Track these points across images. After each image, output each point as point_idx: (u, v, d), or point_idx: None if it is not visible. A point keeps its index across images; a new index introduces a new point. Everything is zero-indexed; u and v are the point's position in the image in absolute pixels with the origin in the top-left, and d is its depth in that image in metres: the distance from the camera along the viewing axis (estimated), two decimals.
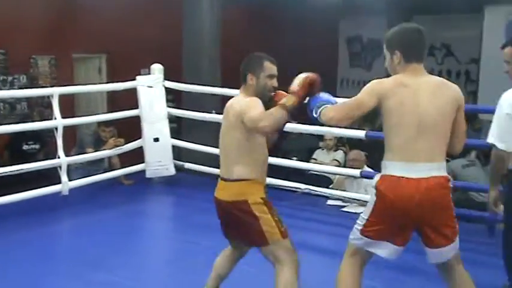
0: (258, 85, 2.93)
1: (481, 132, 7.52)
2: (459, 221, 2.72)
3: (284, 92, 2.96)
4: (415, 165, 2.57)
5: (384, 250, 2.67)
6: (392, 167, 2.62)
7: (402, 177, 2.57)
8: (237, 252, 3.13)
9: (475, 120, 7.60)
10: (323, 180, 6.16)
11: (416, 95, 2.59)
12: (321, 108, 2.68)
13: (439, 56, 11.91)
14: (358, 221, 2.71)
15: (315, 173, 6.31)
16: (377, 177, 2.69)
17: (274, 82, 2.97)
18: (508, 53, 2.74)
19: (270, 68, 2.96)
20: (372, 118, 9.52)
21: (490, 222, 4.72)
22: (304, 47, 10.74)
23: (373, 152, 7.08)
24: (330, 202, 5.56)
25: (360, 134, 5.48)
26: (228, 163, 2.92)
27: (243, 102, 2.86)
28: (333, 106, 2.69)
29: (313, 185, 5.62)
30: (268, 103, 2.94)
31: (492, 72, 9.29)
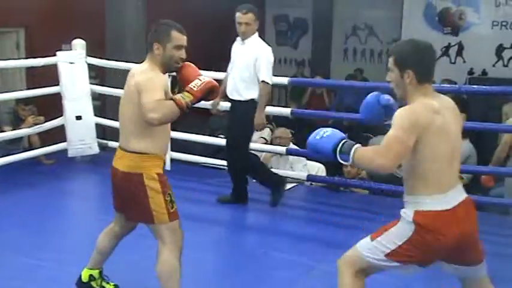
0: (164, 56, 2.82)
1: None
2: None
3: (192, 64, 2.91)
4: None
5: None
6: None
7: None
8: (119, 227, 3.09)
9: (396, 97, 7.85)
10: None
11: (446, 122, 2.41)
12: (349, 148, 2.40)
13: (363, 35, 12.20)
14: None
15: None
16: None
17: (182, 53, 2.86)
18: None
19: (178, 38, 2.83)
20: (297, 96, 9.68)
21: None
22: (228, 25, 10.71)
23: (299, 129, 7.21)
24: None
25: (286, 111, 5.54)
26: (126, 133, 2.88)
27: (144, 77, 2.75)
28: (375, 150, 2.40)
29: None
30: (176, 74, 2.93)
31: None
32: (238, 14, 4.56)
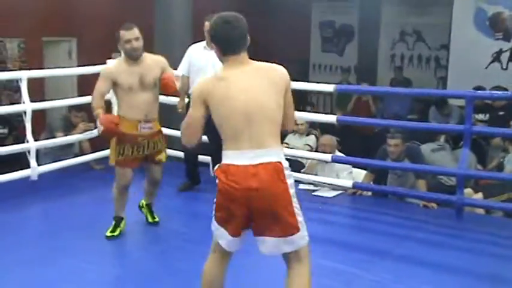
0: (124, 50, 4.05)
1: (450, 117, 7.64)
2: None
3: (170, 78, 4.09)
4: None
5: None
6: None
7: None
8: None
9: (445, 105, 7.71)
10: (295, 164, 6.17)
11: (230, 88, 2.61)
12: None
13: (410, 41, 12.02)
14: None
15: (287, 157, 6.31)
16: None
17: (134, 43, 3.97)
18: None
19: (124, 35, 3.99)
20: (343, 103, 9.61)
21: (458, 205, 4.82)
22: (277, 31, 10.73)
23: (344, 136, 7.16)
24: (301, 186, 5.59)
25: (331, 118, 5.51)
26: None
27: (104, 67, 4.35)
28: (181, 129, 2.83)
29: None
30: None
31: (461, 58, 9.45)
32: (207, 23, 4.85)
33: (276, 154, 2.61)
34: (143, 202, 4.58)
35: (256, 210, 2.56)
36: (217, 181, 2.64)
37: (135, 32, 4.02)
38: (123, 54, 4.16)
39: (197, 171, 5.56)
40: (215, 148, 3.01)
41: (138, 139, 4.10)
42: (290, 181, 2.61)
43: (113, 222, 4.25)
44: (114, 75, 4.04)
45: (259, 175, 2.53)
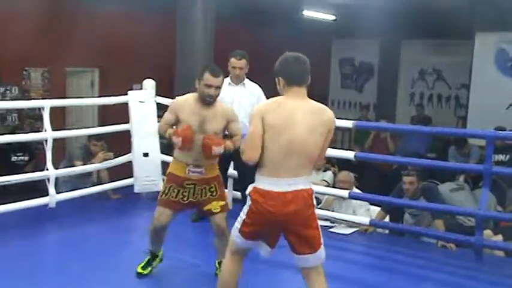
0: (199, 90, 3.78)
1: (469, 157, 7.57)
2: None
3: (214, 140, 3.70)
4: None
5: None
6: None
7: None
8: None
9: (464, 144, 7.66)
10: None
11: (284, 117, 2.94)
12: None
13: (430, 80, 12.03)
14: None
15: None
16: None
17: (211, 91, 3.73)
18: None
19: (208, 78, 3.72)
20: (361, 139, 9.59)
21: (477, 246, 4.73)
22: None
23: (362, 173, 7.12)
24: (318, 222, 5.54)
25: (349, 154, 5.49)
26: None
27: (173, 100, 4.12)
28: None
29: None
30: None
31: (481, 97, 9.42)
32: (233, 60, 5.17)
33: (307, 181, 2.99)
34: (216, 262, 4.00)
35: (290, 230, 2.96)
36: (250, 202, 2.98)
37: (219, 80, 3.77)
38: (197, 92, 3.84)
39: None
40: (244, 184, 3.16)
41: (184, 183, 3.81)
42: (315, 202, 3.04)
43: (147, 258, 4.04)
44: (179, 109, 3.85)
45: (295, 201, 2.91)
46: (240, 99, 5.25)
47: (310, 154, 2.95)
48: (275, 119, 2.90)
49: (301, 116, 2.92)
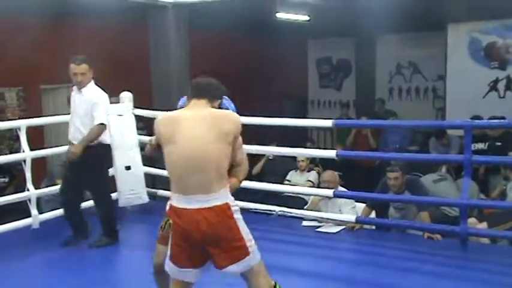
0: None
1: (450, 147, 7.64)
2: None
3: None
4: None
5: None
6: None
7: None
8: None
9: (444, 135, 7.72)
10: (298, 201, 6.16)
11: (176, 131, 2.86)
12: None
13: (407, 74, 12.12)
14: None
15: (290, 194, 6.30)
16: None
17: None
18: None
19: None
20: (343, 138, 9.63)
21: (462, 235, 4.77)
22: (273, 69, 10.82)
23: (346, 171, 7.14)
24: (305, 223, 5.55)
25: (331, 153, 5.51)
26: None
27: None
28: None
29: (288, 207, 5.62)
30: None
31: (458, 88, 9.50)
32: (72, 65, 4.87)
33: (223, 196, 2.83)
34: None
35: (213, 246, 2.82)
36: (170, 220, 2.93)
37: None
38: None
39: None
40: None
41: None
42: (237, 215, 2.86)
43: None
44: None
45: (208, 219, 2.77)
46: (75, 107, 5.04)
47: (215, 166, 2.79)
48: (168, 132, 2.86)
49: (197, 128, 2.82)
